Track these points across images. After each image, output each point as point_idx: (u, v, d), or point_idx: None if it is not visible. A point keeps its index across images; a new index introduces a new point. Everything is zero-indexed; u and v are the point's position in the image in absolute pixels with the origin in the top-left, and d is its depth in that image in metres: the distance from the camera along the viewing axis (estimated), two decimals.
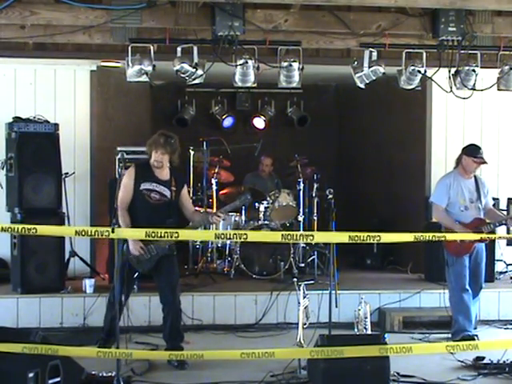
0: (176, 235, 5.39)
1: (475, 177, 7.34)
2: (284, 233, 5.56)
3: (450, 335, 7.29)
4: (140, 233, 5.68)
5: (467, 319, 7.09)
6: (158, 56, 7.15)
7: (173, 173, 6.63)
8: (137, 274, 6.49)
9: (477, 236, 6.70)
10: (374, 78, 7.35)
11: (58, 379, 5.44)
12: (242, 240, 5.61)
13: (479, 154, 7.20)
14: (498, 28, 7.25)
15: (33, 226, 5.25)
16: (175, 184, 6.59)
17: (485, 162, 7.26)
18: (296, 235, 6.07)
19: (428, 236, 5.20)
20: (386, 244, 9.45)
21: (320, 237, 6.74)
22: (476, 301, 7.30)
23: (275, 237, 6.61)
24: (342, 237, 5.34)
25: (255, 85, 7.41)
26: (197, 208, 9.37)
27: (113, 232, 5.32)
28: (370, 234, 5.18)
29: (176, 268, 6.62)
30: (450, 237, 6.41)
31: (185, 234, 6.18)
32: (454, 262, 7.16)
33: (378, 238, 5.22)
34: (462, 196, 7.23)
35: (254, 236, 6.61)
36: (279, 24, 7.06)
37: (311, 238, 5.76)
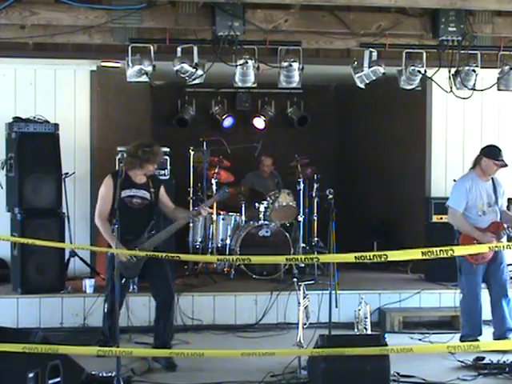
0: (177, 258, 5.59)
1: (492, 178, 7.08)
2: (288, 256, 5.55)
3: (450, 335, 7.29)
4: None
5: (476, 327, 7.01)
6: (158, 56, 7.16)
7: (147, 175, 6.66)
8: (124, 280, 6.44)
9: (485, 248, 6.57)
10: (374, 78, 7.35)
11: (58, 379, 5.45)
12: (245, 260, 5.66)
13: (501, 157, 6.92)
14: (498, 28, 7.25)
15: (32, 241, 5.25)
16: (152, 185, 6.63)
17: (506, 165, 6.96)
18: (301, 258, 6.13)
19: (436, 252, 5.07)
20: (386, 244, 9.47)
21: (325, 258, 6.68)
22: (508, 301, 7.08)
23: (279, 259, 6.60)
24: (348, 257, 5.27)
25: (255, 85, 7.42)
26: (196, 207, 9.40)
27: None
28: (376, 253, 5.15)
29: (166, 265, 6.57)
30: (457, 251, 5.95)
31: (188, 257, 6.12)
32: (469, 270, 6.95)
33: (385, 257, 5.13)
34: (480, 200, 6.97)
35: (257, 259, 6.61)
36: (279, 24, 7.07)
37: (316, 259, 5.73)
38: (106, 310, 6.57)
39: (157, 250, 6.47)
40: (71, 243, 8.33)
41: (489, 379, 6.21)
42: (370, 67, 7.23)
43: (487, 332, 7.13)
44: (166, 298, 6.58)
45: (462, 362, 6.52)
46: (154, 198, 6.60)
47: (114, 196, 6.40)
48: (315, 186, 9.36)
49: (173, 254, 5.73)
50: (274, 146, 11.21)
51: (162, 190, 6.72)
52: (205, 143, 9.53)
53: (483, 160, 6.99)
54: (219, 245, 9.41)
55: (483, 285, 7.14)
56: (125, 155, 6.97)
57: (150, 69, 7.11)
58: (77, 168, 8.61)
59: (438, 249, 5.07)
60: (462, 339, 7.05)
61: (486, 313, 7.70)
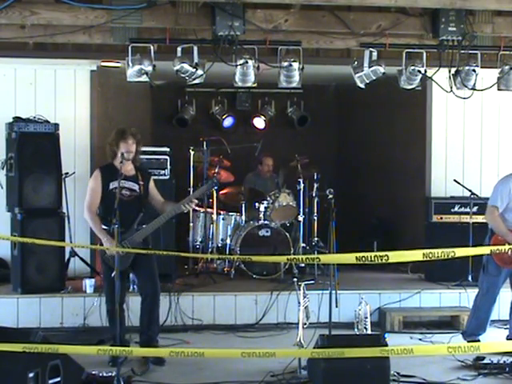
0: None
1: None
2: (289, 257, 5.55)
3: (450, 335, 7.30)
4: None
5: (482, 325, 7.01)
6: (158, 56, 7.16)
7: (137, 168, 6.69)
8: (114, 274, 6.35)
9: (487, 250, 6.49)
10: (374, 77, 7.36)
11: (58, 379, 5.44)
12: (247, 259, 5.67)
13: None
14: (498, 28, 7.26)
15: (31, 240, 5.27)
16: (142, 178, 6.63)
17: None
18: (302, 258, 6.10)
19: (437, 253, 5.03)
20: (386, 243, 9.47)
21: (326, 259, 6.64)
22: None
23: (280, 259, 6.60)
24: (349, 258, 5.25)
25: (255, 85, 7.42)
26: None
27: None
28: (378, 253, 5.11)
29: (154, 260, 6.57)
30: (459, 252, 5.53)
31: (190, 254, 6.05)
32: (494, 272, 6.85)
33: (386, 258, 5.07)
34: None
35: (258, 259, 6.62)
36: (279, 24, 7.07)
37: (317, 260, 5.72)
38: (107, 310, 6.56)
39: (146, 243, 6.53)
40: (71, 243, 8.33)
41: (489, 379, 6.21)
42: (370, 67, 7.23)
43: (488, 332, 7.13)
44: (150, 293, 6.59)
45: (462, 361, 6.52)
46: (143, 191, 6.60)
47: (103, 189, 6.47)
48: (315, 185, 9.37)
49: (173, 253, 5.74)
50: (274, 146, 11.21)
51: (152, 183, 6.74)
52: (205, 143, 9.53)
53: None
54: (219, 245, 9.41)
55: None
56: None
57: (149, 69, 7.11)
58: (77, 168, 8.61)
59: (440, 250, 5.03)
60: (464, 334, 7.07)
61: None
